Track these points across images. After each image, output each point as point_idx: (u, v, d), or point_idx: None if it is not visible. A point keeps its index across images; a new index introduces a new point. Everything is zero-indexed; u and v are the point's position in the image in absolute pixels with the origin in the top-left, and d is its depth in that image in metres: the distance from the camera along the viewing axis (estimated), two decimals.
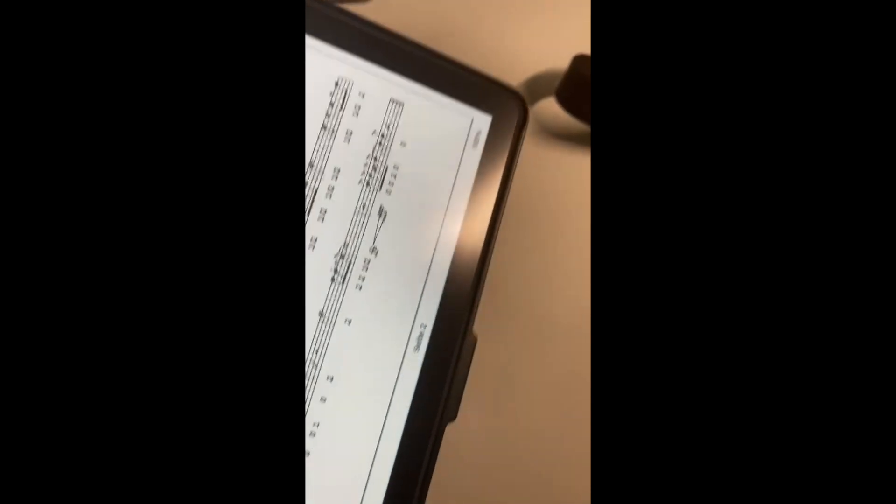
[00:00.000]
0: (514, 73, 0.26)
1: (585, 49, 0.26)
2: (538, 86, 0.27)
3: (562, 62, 0.25)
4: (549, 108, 0.26)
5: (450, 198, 0.20)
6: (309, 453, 0.18)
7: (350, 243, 0.19)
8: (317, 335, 0.18)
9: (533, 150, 0.26)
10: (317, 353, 0.18)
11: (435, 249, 0.20)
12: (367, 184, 0.19)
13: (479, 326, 0.20)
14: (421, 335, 0.19)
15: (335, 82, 0.19)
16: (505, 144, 0.21)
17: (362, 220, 0.19)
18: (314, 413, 0.18)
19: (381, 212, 0.19)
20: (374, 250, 0.19)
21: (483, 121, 0.21)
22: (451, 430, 0.20)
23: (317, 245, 0.19)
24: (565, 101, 0.26)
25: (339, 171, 0.19)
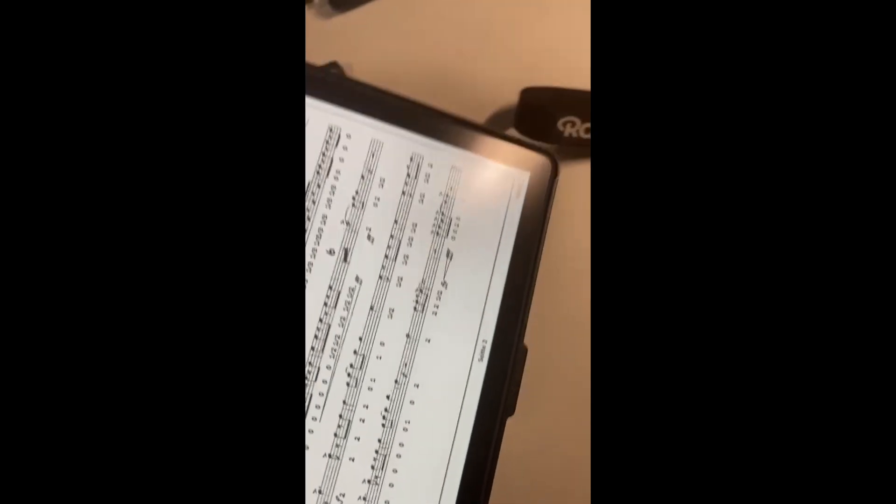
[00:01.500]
0: (474, 111, 0.30)
1: (531, 81, 0.29)
2: (499, 119, 0.31)
3: (511, 95, 0.29)
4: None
5: (500, 238, 0.25)
6: (403, 444, 0.23)
7: (426, 279, 0.24)
8: (405, 352, 0.24)
9: None
10: (406, 366, 0.24)
11: (491, 280, 0.25)
12: (437, 233, 0.25)
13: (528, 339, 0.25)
14: (483, 348, 0.25)
15: (410, 157, 0.25)
16: (542, 193, 0.26)
17: (434, 261, 0.25)
18: (406, 413, 0.24)
19: (448, 253, 0.25)
20: (444, 284, 0.25)
21: (523, 177, 0.26)
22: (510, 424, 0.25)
23: (402, 283, 0.24)
24: (524, 130, 0.29)
25: (416, 225, 0.25)
